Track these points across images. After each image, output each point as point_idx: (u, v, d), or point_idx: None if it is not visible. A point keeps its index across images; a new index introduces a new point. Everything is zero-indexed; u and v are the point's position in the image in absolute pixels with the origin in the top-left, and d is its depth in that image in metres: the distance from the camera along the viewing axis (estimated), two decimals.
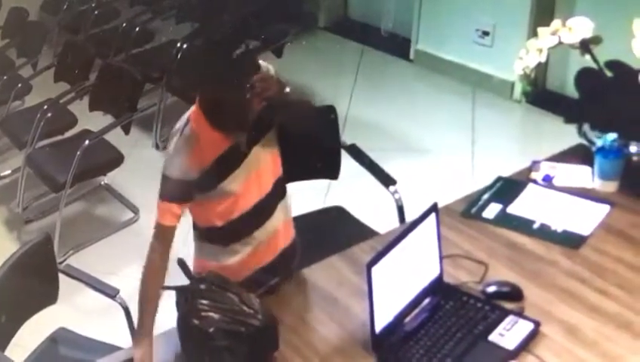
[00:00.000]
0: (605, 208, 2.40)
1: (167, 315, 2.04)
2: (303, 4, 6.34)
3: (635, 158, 2.49)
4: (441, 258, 2.11)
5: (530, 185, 2.55)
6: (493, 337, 1.92)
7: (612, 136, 2.46)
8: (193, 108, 2.11)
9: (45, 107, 4.26)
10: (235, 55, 1.97)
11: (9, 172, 4.63)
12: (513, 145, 4.51)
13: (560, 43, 2.52)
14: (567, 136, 2.67)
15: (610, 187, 2.49)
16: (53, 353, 2.54)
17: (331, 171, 2.90)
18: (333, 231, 2.88)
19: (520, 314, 2.00)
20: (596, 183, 2.51)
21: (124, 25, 5.37)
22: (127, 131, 4.04)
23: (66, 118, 4.36)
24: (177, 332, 1.93)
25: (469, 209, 2.47)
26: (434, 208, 2.07)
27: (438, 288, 2.09)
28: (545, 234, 2.33)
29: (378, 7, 5.99)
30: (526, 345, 1.90)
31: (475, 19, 5.09)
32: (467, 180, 3.98)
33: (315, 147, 2.70)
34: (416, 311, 2.03)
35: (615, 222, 2.35)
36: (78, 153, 3.78)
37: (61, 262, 3.41)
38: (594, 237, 2.29)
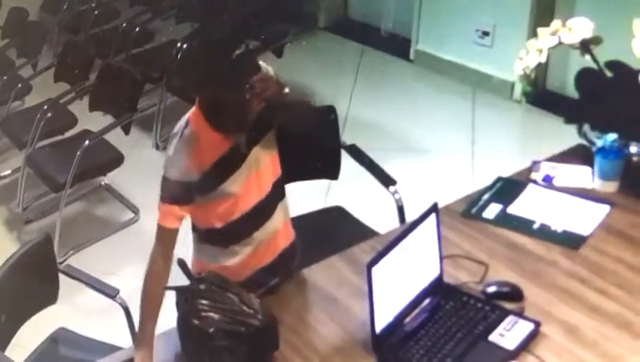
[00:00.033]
0: (605, 208, 2.40)
1: (167, 315, 2.04)
2: (303, 4, 6.34)
3: (635, 159, 2.49)
4: (442, 258, 2.11)
5: (531, 186, 2.55)
6: (493, 337, 1.92)
7: (612, 136, 2.46)
8: (193, 109, 2.11)
9: (45, 107, 4.26)
10: (235, 55, 1.97)
11: (9, 172, 4.64)
12: (513, 146, 4.52)
13: (560, 43, 2.52)
14: (568, 136, 2.67)
15: (610, 187, 2.49)
16: (54, 353, 2.54)
17: (331, 171, 2.90)
18: (333, 232, 2.88)
19: (520, 314, 2.00)
20: (596, 183, 2.51)
21: (124, 25, 5.37)
22: (127, 131, 4.04)
23: (66, 118, 4.36)
24: (177, 332, 1.93)
25: (469, 209, 2.47)
26: (434, 208, 2.07)
27: (438, 288, 2.09)
28: (545, 234, 2.33)
29: (378, 7, 5.99)
30: (526, 345, 1.90)
31: (475, 20, 5.09)
32: (467, 180, 3.98)
33: (315, 147, 2.70)
34: (417, 311, 2.03)
35: (615, 222, 2.35)
36: (78, 153, 3.78)
37: (61, 262, 3.41)
38: (594, 237, 2.29)
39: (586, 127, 2.58)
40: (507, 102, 4.96)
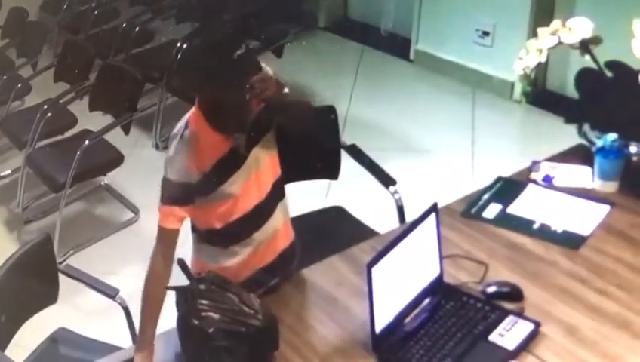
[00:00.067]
0: (605, 208, 2.40)
1: (167, 315, 2.04)
2: (303, 4, 6.33)
3: (635, 159, 2.49)
4: (441, 258, 2.11)
5: (530, 186, 2.55)
6: (493, 337, 1.92)
7: (612, 136, 2.46)
8: (192, 110, 2.11)
9: (45, 107, 4.26)
10: (235, 56, 1.97)
11: (9, 172, 4.63)
12: (513, 146, 4.51)
13: (560, 43, 2.52)
14: (567, 136, 2.67)
15: (610, 187, 2.49)
16: (54, 353, 2.54)
17: (331, 171, 2.90)
18: (333, 232, 2.88)
19: (520, 314, 2.00)
20: (596, 183, 2.51)
21: (124, 25, 5.36)
22: (127, 131, 4.04)
23: (65, 118, 4.36)
24: (177, 332, 1.93)
25: (469, 209, 2.47)
26: (434, 208, 2.07)
27: (438, 288, 2.09)
28: (545, 234, 2.33)
29: (378, 7, 5.99)
30: (526, 345, 1.90)
31: (475, 20, 5.09)
32: (467, 180, 3.98)
33: (315, 147, 2.70)
34: (417, 311, 2.03)
35: (615, 222, 2.35)
36: (78, 153, 3.78)
37: (61, 262, 3.41)
38: (594, 237, 2.29)
39: (586, 127, 2.58)
40: (507, 102, 4.96)
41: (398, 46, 5.74)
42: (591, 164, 2.53)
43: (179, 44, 4.81)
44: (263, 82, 1.96)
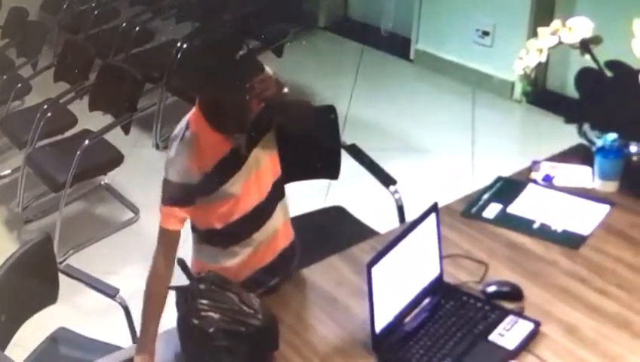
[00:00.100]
0: (605, 208, 2.40)
1: (167, 315, 2.05)
2: (303, 4, 6.33)
3: (635, 158, 2.49)
4: (441, 258, 2.11)
5: (530, 185, 2.55)
6: (493, 337, 1.92)
7: (612, 136, 2.46)
8: (193, 110, 2.11)
9: (45, 107, 4.26)
10: (237, 56, 1.97)
11: (9, 172, 4.63)
12: (513, 145, 4.51)
13: (560, 43, 2.52)
14: (568, 136, 2.67)
15: (610, 187, 2.49)
16: (54, 353, 2.54)
17: (331, 171, 2.90)
18: (333, 231, 2.88)
19: (520, 313, 2.00)
20: (596, 183, 2.51)
21: (124, 25, 5.36)
22: (127, 131, 4.04)
23: (65, 118, 4.36)
24: (177, 332, 1.93)
25: (469, 209, 2.47)
26: (434, 208, 2.07)
27: (438, 288, 2.09)
28: (545, 234, 2.33)
29: (378, 6, 5.99)
30: (526, 344, 1.90)
31: (475, 19, 5.09)
32: (467, 180, 3.98)
33: (315, 147, 2.70)
34: (417, 310, 2.03)
35: (615, 222, 2.35)
36: (78, 153, 3.78)
37: (61, 262, 3.41)
38: (594, 237, 2.29)
39: (586, 127, 2.58)
40: (507, 101, 4.96)
41: (398, 46, 5.74)
42: (591, 163, 2.53)
43: (179, 44, 4.81)
44: (263, 82, 1.96)
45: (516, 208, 2.45)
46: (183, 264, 1.95)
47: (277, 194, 2.23)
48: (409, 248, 1.97)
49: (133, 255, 3.53)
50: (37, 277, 2.43)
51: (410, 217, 2.65)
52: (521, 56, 2.58)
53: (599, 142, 2.49)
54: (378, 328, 1.91)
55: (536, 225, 2.36)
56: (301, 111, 2.26)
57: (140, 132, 4.87)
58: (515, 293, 2.07)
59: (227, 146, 2.09)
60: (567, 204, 2.44)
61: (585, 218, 2.36)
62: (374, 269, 1.85)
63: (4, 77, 4.95)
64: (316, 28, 6.35)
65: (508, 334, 1.93)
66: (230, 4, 5.36)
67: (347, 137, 3.05)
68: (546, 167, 2.62)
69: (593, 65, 2.50)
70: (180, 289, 1.93)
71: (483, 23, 5.05)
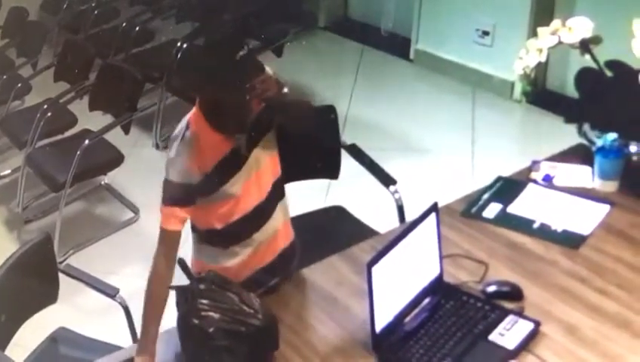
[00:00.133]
0: (605, 208, 2.40)
1: (167, 315, 2.05)
2: (303, 4, 6.33)
3: (635, 158, 2.49)
4: (441, 257, 2.11)
5: (530, 185, 2.55)
6: (493, 337, 1.93)
7: (612, 135, 2.46)
8: (193, 110, 2.11)
9: (45, 107, 4.26)
10: (238, 57, 1.96)
11: (9, 171, 4.63)
12: (513, 145, 4.51)
13: (560, 43, 2.52)
14: (567, 135, 2.67)
15: (610, 187, 2.49)
16: (54, 352, 2.54)
17: (331, 171, 2.90)
18: (333, 231, 2.88)
19: (520, 313, 2.00)
20: (596, 183, 2.51)
21: (124, 24, 5.37)
22: (127, 131, 4.04)
23: (65, 118, 4.36)
24: (177, 331, 1.93)
25: (469, 209, 2.47)
26: (434, 208, 2.07)
27: (438, 288, 2.09)
28: (545, 233, 2.33)
29: (378, 6, 5.99)
30: (526, 344, 1.90)
31: (475, 19, 5.09)
32: (467, 180, 3.98)
33: (315, 147, 2.70)
34: (417, 310, 2.03)
35: (615, 221, 2.35)
36: (78, 153, 3.78)
37: (61, 262, 3.41)
38: (594, 236, 2.29)
39: (586, 127, 2.58)
40: (507, 101, 4.96)
41: (398, 46, 5.74)
42: (591, 163, 2.53)
43: (179, 44, 4.81)
44: (264, 83, 1.96)
45: (516, 208, 2.45)
46: (183, 264, 1.95)
47: (277, 194, 2.23)
48: (409, 248, 1.97)
49: (134, 255, 3.53)
50: (37, 277, 2.43)
51: (410, 217, 2.65)
52: (521, 56, 2.58)
53: (599, 142, 2.49)
54: (378, 328, 1.91)
55: (536, 225, 2.36)
56: (301, 111, 2.26)
57: (140, 132, 4.87)
58: (515, 293, 2.07)
59: (227, 146, 2.09)
60: (567, 204, 2.44)
61: (585, 218, 2.36)
62: (374, 269, 1.85)
63: (4, 77, 4.95)
64: (316, 28, 6.35)
65: (508, 334, 1.93)
66: (230, 4, 5.37)
67: (347, 137, 3.05)
68: (545, 167, 2.62)
69: (593, 65, 2.50)
70: (180, 289, 1.93)
71: (483, 22, 5.05)
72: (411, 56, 5.64)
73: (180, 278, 1.96)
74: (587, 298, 2.05)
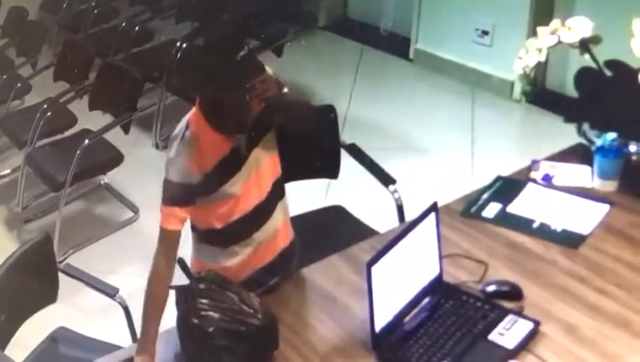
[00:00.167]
0: (605, 207, 2.40)
1: (167, 314, 2.05)
2: (303, 4, 6.34)
3: (634, 158, 2.49)
4: (441, 257, 2.11)
5: (530, 185, 2.55)
6: (492, 336, 1.93)
7: (611, 135, 2.46)
8: (193, 110, 2.11)
9: (45, 106, 4.26)
10: (238, 57, 1.96)
11: (9, 171, 4.64)
12: (513, 145, 4.52)
13: (559, 42, 2.52)
14: (567, 135, 2.67)
15: (610, 186, 2.49)
16: (53, 352, 2.54)
17: (331, 170, 2.90)
18: (332, 231, 2.88)
19: (519, 313, 2.00)
20: (596, 183, 2.51)
21: (124, 24, 5.37)
22: (126, 130, 4.04)
23: (65, 118, 4.36)
24: (177, 331, 1.93)
25: (469, 208, 2.47)
26: (433, 207, 2.07)
27: (437, 287, 2.09)
28: (544, 233, 2.33)
29: (377, 6, 5.99)
30: (526, 344, 1.90)
31: (474, 19, 5.09)
32: (467, 180, 3.98)
33: (314, 146, 2.70)
34: (416, 310, 2.03)
35: (614, 221, 2.35)
36: (78, 152, 3.78)
37: (61, 262, 3.41)
38: (593, 236, 2.30)
39: (586, 126, 2.58)
40: (507, 101, 4.97)
41: (397, 45, 5.74)
42: (590, 163, 2.54)
43: (178, 44, 4.81)
44: (264, 83, 1.96)
45: (516, 207, 2.45)
46: (182, 263, 1.95)
47: (277, 194, 2.23)
48: (409, 248, 1.97)
49: (133, 254, 3.53)
50: (37, 277, 2.43)
51: (409, 217, 2.65)
52: (520, 56, 2.58)
53: (599, 142, 2.49)
54: (378, 327, 1.91)
55: (535, 225, 2.37)
56: (301, 111, 2.26)
57: (139, 131, 4.87)
58: (514, 293, 2.08)
59: (227, 146, 2.09)
60: (566, 204, 2.44)
61: (584, 217, 2.37)
62: (374, 268, 1.85)
63: (4, 76, 4.95)
64: (316, 28, 6.35)
65: (507, 333, 1.93)
66: (230, 4, 5.37)
67: (347, 137, 3.05)
68: (545, 167, 2.62)
69: (592, 64, 2.50)
70: (179, 289, 1.93)
71: (482, 22, 5.05)
72: (411, 55, 5.64)
73: (179, 278, 1.96)
74: (587, 297, 2.06)
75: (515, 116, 4.97)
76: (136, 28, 5.29)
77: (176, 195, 2.07)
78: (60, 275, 2.50)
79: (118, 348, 2.25)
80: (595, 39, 2.50)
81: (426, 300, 2.05)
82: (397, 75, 5.58)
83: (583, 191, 2.48)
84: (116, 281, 2.57)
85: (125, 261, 3.65)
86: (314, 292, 2.22)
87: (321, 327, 2.06)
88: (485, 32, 5.05)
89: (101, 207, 4.33)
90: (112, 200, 4.33)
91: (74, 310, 3.17)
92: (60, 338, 2.58)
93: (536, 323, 1.96)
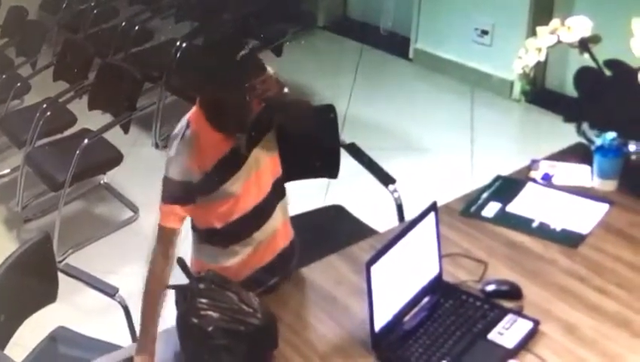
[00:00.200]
0: (604, 207, 2.40)
1: (166, 314, 2.05)
2: (302, 4, 6.34)
3: (634, 157, 2.49)
4: (441, 257, 2.11)
5: (530, 184, 2.55)
6: (492, 336, 1.93)
7: (611, 135, 2.46)
8: (193, 109, 2.11)
9: (44, 106, 4.26)
10: (238, 57, 1.96)
11: (8, 171, 4.63)
12: (512, 144, 4.52)
13: (559, 42, 2.52)
14: (567, 135, 2.67)
15: (610, 186, 2.49)
16: (53, 352, 2.54)
17: (331, 170, 2.90)
18: (332, 230, 2.88)
19: (519, 312, 2.00)
20: (595, 182, 2.51)
21: (124, 24, 5.37)
22: (126, 130, 4.04)
23: (65, 117, 4.36)
24: (176, 330, 1.93)
25: (469, 208, 2.47)
26: (433, 207, 2.07)
27: (437, 287, 2.09)
28: (544, 232, 2.33)
29: (377, 6, 5.99)
30: (525, 343, 1.90)
31: (474, 19, 5.10)
32: (466, 179, 3.98)
33: (314, 146, 2.70)
34: (416, 309, 2.03)
35: (614, 220, 2.35)
36: (78, 152, 3.78)
37: (60, 261, 3.41)
38: (593, 235, 2.30)
39: (585, 126, 2.58)
40: (506, 101, 4.97)
41: (397, 45, 5.74)
42: (590, 162, 2.54)
43: (178, 43, 4.81)
44: (265, 83, 1.96)
45: (515, 207, 2.45)
46: (182, 263, 1.95)
47: (277, 193, 2.23)
48: (408, 247, 1.97)
49: (133, 254, 3.52)
50: (36, 276, 2.43)
51: (409, 216, 2.65)
52: (520, 56, 2.59)
53: (598, 141, 2.49)
54: (377, 327, 1.91)
55: (535, 224, 2.37)
56: (301, 111, 2.26)
57: (139, 131, 4.87)
58: (514, 292, 2.08)
59: (227, 146, 2.09)
60: (566, 203, 2.44)
61: (584, 217, 2.37)
62: (373, 268, 1.85)
63: (4, 76, 4.95)
64: (315, 27, 6.35)
65: (507, 333, 1.93)
66: (230, 4, 5.37)
67: (346, 136, 3.05)
68: (545, 166, 2.62)
69: (592, 64, 2.50)
70: (179, 288, 1.94)
71: (482, 22, 5.05)
72: (410, 55, 5.64)
73: (179, 277, 1.96)
74: (586, 297, 2.06)
75: (515, 116, 4.97)
76: (136, 27, 5.29)
77: (176, 193, 2.07)
78: (60, 275, 2.50)
79: (118, 347, 2.25)
80: (595, 39, 2.50)
81: (426, 299, 2.05)
82: (397, 74, 5.58)
83: (582, 191, 2.48)
84: (116, 281, 2.57)
85: (125, 260, 3.65)
86: (313, 291, 2.22)
87: (321, 327, 2.06)
88: (485, 32, 5.05)
89: (101, 207, 4.33)
90: (112, 200, 4.33)
91: (73, 309, 3.17)
92: (59, 337, 2.58)
93: (536, 323, 1.96)
